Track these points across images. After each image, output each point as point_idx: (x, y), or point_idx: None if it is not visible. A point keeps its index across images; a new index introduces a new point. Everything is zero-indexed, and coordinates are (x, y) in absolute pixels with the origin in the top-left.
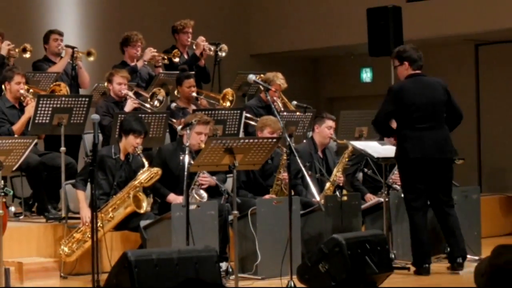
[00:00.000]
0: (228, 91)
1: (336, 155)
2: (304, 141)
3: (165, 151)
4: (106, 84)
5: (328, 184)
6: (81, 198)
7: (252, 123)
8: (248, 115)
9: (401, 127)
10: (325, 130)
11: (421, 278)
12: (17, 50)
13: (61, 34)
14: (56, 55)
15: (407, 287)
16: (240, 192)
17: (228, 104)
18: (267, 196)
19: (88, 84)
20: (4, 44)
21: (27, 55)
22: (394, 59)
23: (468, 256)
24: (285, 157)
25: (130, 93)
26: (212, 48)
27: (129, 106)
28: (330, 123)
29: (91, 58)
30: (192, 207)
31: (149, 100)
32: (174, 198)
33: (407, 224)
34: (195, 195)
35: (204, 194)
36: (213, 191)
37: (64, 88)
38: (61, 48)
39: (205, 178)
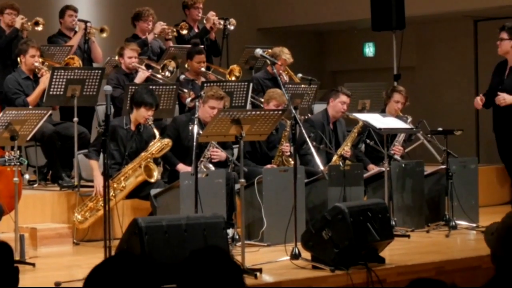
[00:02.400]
0: (235, 67)
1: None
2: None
3: (179, 121)
4: (117, 57)
5: (335, 157)
6: (95, 167)
7: (257, 102)
8: (253, 94)
9: None
10: (338, 105)
11: (421, 244)
12: (29, 23)
13: (75, 10)
14: (70, 30)
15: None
16: (244, 162)
17: (234, 79)
18: (268, 166)
19: (101, 59)
20: (18, 18)
21: (40, 28)
22: (504, 32)
23: (466, 223)
24: (287, 129)
25: (141, 66)
26: (222, 22)
27: (140, 77)
28: (344, 98)
29: (104, 35)
30: (200, 175)
31: (160, 71)
32: (182, 168)
33: (407, 193)
34: (203, 168)
35: (212, 168)
36: (221, 164)
37: (77, 62)
38: (75, 23)
39: (217, 153)
